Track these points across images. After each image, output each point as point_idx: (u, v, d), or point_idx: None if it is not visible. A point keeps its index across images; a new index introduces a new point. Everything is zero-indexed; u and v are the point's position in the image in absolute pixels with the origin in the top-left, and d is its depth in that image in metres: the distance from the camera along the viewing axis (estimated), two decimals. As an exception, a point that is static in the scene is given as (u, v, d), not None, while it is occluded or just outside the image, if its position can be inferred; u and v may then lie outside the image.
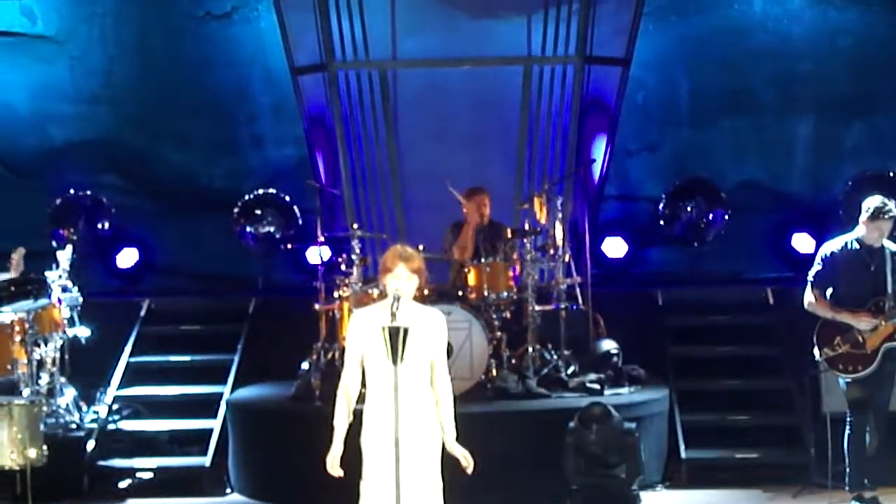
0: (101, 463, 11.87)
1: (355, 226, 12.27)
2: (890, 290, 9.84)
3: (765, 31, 15.35)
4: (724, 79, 15.38)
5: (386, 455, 7.12)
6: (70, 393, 12.17)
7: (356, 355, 7.43)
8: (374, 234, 13.37)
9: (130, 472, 11.95)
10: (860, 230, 9.96)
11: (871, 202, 9.93)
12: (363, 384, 7.45)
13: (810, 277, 10.09)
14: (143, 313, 13.65)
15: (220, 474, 11.84)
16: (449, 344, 8.09)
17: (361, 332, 7.40)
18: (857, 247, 9.95)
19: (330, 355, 11.69)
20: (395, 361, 7.00)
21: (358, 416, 7.42)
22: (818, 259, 10.11)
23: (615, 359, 11.89)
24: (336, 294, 11.78)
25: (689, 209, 14.82)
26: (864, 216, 9.92)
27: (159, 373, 13.05)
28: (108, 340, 12.91)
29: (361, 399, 7.44)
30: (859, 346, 9.83)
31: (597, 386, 11.58)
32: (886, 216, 9.85)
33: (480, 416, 10.53)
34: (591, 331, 12.41)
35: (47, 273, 12.04)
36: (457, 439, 7.42)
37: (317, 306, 12.02)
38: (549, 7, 13.95)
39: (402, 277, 7.37)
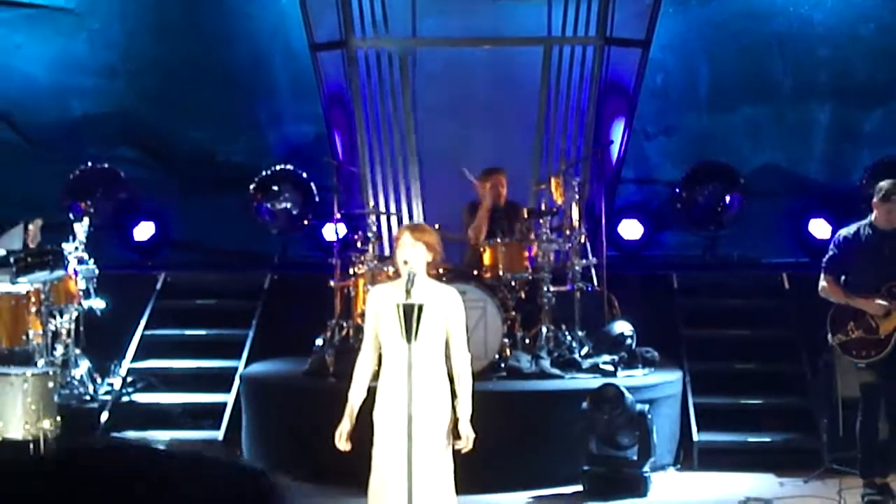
0: (115, 435, 11.89)
1: (372, 203, 12.27)
2: (903, 275, 9.83)
3: (786, 16, 15.31)
4: (743, 63, 15.35)
5: (396, 431, 7.14)
6: (84, 365, 12.22)
7: (372, 331, 7.45)
8: (390, 212, 13.38)
9: (143, 444, 11.98)
10: (874, 215, 9.95)
11: (884, 184, 9.92)
12: (380, 360, 7.47)
13: (824, 263, 10.07)
14: (158, 287, 13.60)
15: (233, 448, 11.85)
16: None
17: (376, 308, 7.41)
18: (871, 232, 9.92)
19: (344, 332, 11.71)
20: (408, 339, 7.02)
21: (373, 392, 7.44)
22: (832, 245, 10.10)
23: (629, 340, 11.87)
24: (351, 271, 11.80)
25: (706, 193, 14.79)
26: (876, 198, 9.90)
27: (174, 346, 13.06)
28: (124, 313, 12.92)
29: (377, 376, 7.46)
30: (873, 332, 9.81)
31: (610, 367, 11.57)
32: None
33: (493, 396, 10.52)
34: (606, 312, 12.40)
35: (64, 245, 12.09)
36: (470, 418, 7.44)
37: (332, 283, 12.04)
38: (569, -13, 13.93)
39: (408, 244, 7.37)
